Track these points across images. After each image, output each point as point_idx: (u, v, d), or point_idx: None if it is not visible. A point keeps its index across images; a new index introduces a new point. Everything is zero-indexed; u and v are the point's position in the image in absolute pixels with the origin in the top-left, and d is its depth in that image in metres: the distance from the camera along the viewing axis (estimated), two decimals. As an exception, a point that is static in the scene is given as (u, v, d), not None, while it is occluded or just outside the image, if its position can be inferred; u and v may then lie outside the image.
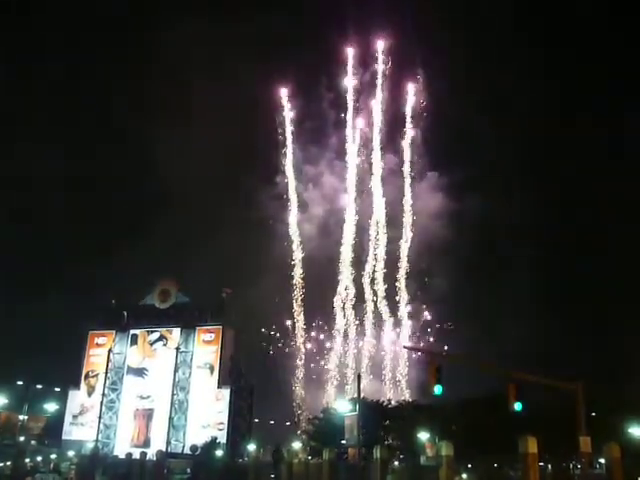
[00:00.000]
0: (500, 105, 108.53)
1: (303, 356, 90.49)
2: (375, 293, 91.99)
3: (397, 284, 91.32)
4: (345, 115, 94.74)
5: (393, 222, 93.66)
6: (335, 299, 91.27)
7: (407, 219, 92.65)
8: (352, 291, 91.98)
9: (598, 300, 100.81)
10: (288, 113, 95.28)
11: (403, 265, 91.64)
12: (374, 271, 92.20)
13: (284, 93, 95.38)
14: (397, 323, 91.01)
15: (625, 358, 73.07)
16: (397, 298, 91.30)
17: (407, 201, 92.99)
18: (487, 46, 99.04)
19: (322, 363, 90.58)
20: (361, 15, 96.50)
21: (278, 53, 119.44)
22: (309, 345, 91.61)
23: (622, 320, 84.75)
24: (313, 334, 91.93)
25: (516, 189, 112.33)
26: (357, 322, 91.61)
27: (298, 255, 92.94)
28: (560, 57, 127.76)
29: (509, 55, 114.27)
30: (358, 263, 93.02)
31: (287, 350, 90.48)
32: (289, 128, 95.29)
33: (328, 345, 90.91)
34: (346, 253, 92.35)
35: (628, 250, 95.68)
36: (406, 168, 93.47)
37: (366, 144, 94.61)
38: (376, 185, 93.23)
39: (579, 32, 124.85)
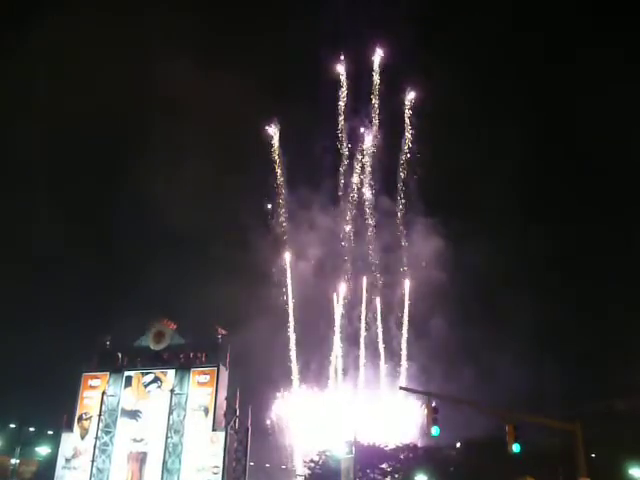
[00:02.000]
0: (496, 152, 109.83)
1: (298, 397, 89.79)
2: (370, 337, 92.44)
3: (400, 328, 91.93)
4: (340, 163, 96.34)
5: (388, 268, 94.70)
6: (331, 348, 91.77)
7: (404, 264, 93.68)
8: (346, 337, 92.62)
9: (595, 344, 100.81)
10: (281, 156, 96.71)
11: (402, 308, 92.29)
12: (368, 315, 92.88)
13: (275, 132, 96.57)
14: (394, 366, 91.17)
15: (624, 399, 72.68)
16: (399, 341, 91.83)
17: (403, 246, 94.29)
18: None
19: (318, 404, 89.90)
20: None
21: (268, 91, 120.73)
22: (305, 387, 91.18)
23: (620, 362, 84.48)
24: (309, 377, 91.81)
25: (513, 237, 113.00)
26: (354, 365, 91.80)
27: (293, 298, 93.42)
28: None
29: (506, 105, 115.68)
30: (354, 308, 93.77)
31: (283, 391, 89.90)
32: (280, 170, 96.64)
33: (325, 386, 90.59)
34: (341, 298, 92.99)
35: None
36: (400, 214, 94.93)
37: (360, 194, 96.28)
38: (371, 229, 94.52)
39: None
